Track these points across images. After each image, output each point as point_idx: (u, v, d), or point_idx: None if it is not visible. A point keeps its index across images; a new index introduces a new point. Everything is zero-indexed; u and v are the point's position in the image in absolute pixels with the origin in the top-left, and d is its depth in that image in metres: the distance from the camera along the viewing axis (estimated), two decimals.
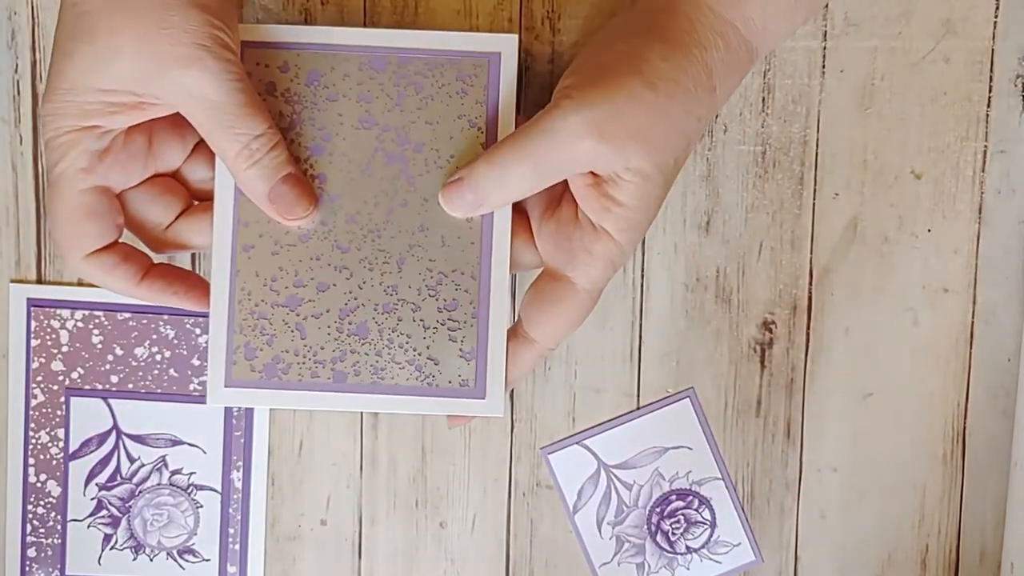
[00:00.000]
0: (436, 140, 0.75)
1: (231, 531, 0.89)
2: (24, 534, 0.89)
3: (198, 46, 0.69)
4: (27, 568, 0.89)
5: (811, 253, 0.86)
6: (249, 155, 0.71)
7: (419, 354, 0.75)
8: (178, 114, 0.71)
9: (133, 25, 0.68)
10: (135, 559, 0.90)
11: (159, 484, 0.89)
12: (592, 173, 0.71)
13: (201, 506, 0.89)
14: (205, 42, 0.69)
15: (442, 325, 0.75)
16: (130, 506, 0.89)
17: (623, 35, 0.73)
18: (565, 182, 0.73)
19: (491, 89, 0.76)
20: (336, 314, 0.75)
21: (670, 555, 0.89)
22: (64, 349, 0.87)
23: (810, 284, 0.87)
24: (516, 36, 0.76)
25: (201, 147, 0.77)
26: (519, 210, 0.77)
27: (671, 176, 0.72)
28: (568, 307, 0.74)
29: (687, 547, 0.89)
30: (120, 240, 0.74)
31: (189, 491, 0.89)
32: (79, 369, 0.87)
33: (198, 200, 0.78)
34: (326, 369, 0.75)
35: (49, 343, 0.87)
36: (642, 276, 0.87)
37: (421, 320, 0.75)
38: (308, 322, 0.75)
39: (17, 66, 0.85)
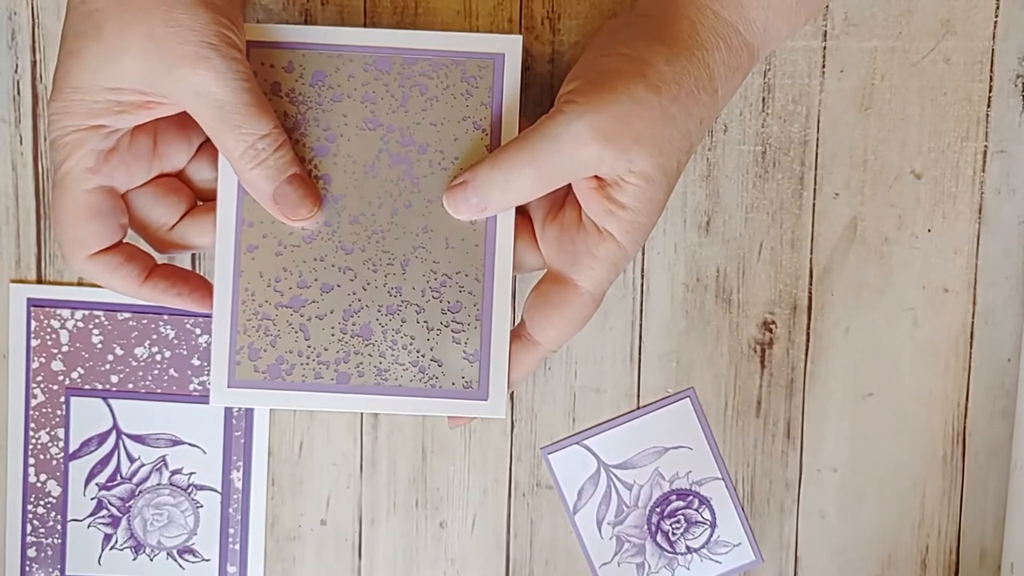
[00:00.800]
0: (441, 142, 0.75)
1: (231, 531, 0.89)
2: (24, 534, 0.89)
3: (205, 44, 0.68)
4: (27, 568, 0.89)
5: (811, 253, 0.86)
6: (255, 155, 0.71)
7: (422, 355, 0.75)
8: (183, 114, 0.71)
9: (140, 23, 0.68)
10: (135, 559, 0.89)
11: (159, 484, 0.89)
12: (596, 176, 0.71)
13: (201, 506, 0.89)
14: (212, 41, 0.69)
15: (446, 327, 0.75)
16: (130, 506, 0.89)
17: (624, 38, 0.73)
18: (568, 185, 0.73)
19: (495, 91, 0.76)
20: (340, 315, 0.75)
21: (670, 555, 0.89)
22: (64, 349, 0.87)
23: (810, 284, 0.87)
24: (520, 38, 0.76)
25: (206, 147, 0.77)
26: (522, 212, 0.77)
27: (674, 178, 0.72)
28: (572, 309, 0.74)
29: (687, 547, 0.89)
30: (124, 240, 0.74)
31: (189, 491, 0.89)
32: (79, 369, 0.87)
33: (202, 200, 0.78)
34: (330, 370, 0.75)
35: (49, 343, 0.87)
36: (642, 276, 0.87)
37: (425, 322, 0.75)
38: (312, 323, 0.75)
39: (17, 66, 0.85)
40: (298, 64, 0.75)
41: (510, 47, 0.76)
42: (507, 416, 0.88)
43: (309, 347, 0.75)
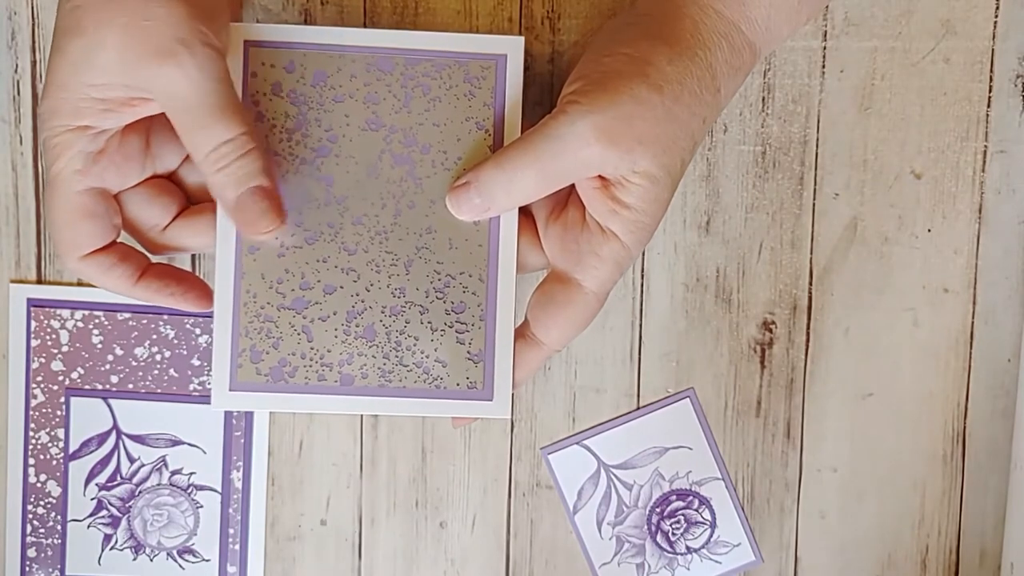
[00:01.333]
0: (443, 142, 0.75)
1: (231, 531, 0.89)
2: (24, 534, 0.89)
3: (177, 41, 0.67)
4: (27, 568, 0.89)
5: (811, 253, 0.86)
6: (218, 159, 0.70)
7: (427, 356, 0.75)
8: None
9: (118, 17, 0.67)
10: (135, 559, 0.89)
11: (159, 484, 0.89)
12: (599, 176, 0.71)
13: (201, 506, 0.89)
14: (184, 36, 0.68)
15: (450, 327, 0.75)
16: (130, 506, 0.89)
17: (626, 38, 0.73)
18: (572, 184, 0.73)
19: (498, 92, 0.76)
20: (343, 317, 0.75)
21: (670, 555, 0.89)
22: (64, 349, 0.87)
23: (810, 284, 0.87)
24: (522, 39, 0.76)
25: None
26: (525, 212, 0.77)
27: (677, 178, 0.72)
28: (576, 309, 0.74)
29: (687, 547, 0.89)
30: (118, 240, 0.74)
31: (189, 491, 0.89)
32: (79, 369, 0.87)
33: (195, 202, 0.77)
34: (333, 372, 0.75)
35: (49, 343, 0.87)
36: (642, 276, 0.87)
37: (429, 322, 0.75)
38: (315, 325, 0.75)
39: (17, 66, 0.85)
40: (299, 64, 0.75)
41: (512, 48, 0.76)
42: None
43: (312, 349, 0.75)
